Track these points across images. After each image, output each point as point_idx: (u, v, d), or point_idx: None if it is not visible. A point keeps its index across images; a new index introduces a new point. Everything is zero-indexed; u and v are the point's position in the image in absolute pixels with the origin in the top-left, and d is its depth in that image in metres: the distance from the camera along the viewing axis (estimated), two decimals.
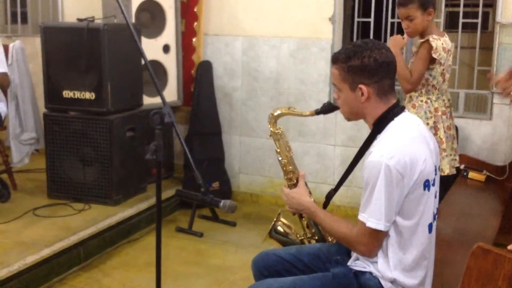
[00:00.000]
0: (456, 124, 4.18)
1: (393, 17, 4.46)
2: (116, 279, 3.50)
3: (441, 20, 4.45)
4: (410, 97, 3.37)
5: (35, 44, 5.09)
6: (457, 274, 2.11)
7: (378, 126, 2.04)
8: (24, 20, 5.78)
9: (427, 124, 3.28)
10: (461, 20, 4.29)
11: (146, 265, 3.65)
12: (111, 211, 4.05)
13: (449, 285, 2.29)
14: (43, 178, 4.37)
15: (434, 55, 3.21)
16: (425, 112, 3.31)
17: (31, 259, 3.29)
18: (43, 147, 4.41)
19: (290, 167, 2.44)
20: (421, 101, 3.33)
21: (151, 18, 4.65)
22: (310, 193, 2.32)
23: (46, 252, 3.40)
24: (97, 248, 3.78)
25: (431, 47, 3.21)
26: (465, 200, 3.55)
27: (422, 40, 3.25)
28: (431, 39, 3.21)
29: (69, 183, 4.22)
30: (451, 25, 4.77)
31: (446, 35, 3.37)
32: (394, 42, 3.28)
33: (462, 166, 3.90)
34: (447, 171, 3.35)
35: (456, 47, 4.27)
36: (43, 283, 3.36)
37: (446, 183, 3.50)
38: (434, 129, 3.31)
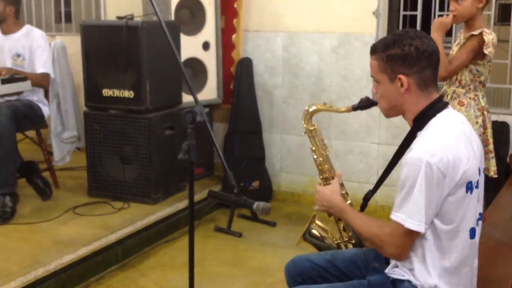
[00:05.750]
0: (508, 121, 3.99)
1: (441, 9, 4.26)
2: (152, 279, 3.46)
3: (492, 13, 4.25)
4: (456, 93, 3.17)
5: (78, 43, 5.12)
6: (505, 281, 1.98)
7: (419, 123, 1.91)
8: (68, 19, 5.86)
9: (476, 122, 3.09)
10: None
11: (183, 265, 3.57)
12: (149, 210, 4.02)
13: None
14: (84, 176, 4.38)
15: (485, 51, 3.01)
16: (474, 110, 3.12)
17: (68, 258, 3.28)
18: (84, 145, 4.43)
19: (326, 166, 2.32)
20: (470, 98, 3.12)
21: (191, 15, 4.60)
22: (346, 193, 2.23)
23: (83, 251, 3.39)
24: (135, 248, 3.76)
25: (483, 42, 3.01)
26: None
27: (474, 33, 3.04)
28: (484, 33, 3.01)
29: (109, 182, 4.21)
30: (503, 18, 4.57)
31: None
32: (438, 25, 3.06)
33: None
34: (492, 172, 3.14)
35: (508, 41, 4.07)
36: (80, 282, 3.34)
37: (493, 186, 3.32)
38: (483, 128, 3.11)
